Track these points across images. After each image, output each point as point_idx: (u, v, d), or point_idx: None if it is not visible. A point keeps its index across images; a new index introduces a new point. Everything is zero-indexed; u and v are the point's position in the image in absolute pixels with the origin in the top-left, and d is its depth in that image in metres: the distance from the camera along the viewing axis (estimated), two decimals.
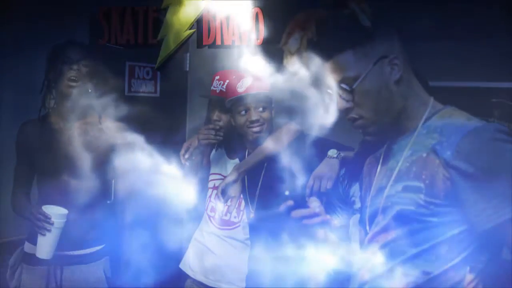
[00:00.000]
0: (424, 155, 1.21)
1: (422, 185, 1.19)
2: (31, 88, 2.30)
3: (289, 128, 2.10)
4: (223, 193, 2.00)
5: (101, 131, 2.25)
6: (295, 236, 1.68)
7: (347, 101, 1.26)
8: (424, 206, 1.18)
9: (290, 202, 1.33)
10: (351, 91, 1.25)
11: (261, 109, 2.08)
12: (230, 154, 2.33)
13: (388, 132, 1.32)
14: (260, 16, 2.66)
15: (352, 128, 1.31)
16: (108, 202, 2.42)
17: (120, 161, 2.27)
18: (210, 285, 2.29)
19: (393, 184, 1.25)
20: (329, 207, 1.89)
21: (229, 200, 2.03)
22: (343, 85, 1.25)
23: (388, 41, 1.27)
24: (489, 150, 1.14)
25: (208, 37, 2.86)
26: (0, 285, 2.42)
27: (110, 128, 2.27)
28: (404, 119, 1.29)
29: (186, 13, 2.87)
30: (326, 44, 1.25)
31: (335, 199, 1.91)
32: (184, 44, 3.00)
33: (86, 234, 2.22)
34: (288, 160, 2.01)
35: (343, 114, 1.29)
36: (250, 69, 2.16)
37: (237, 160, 2.25)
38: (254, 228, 2.17)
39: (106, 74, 2.31)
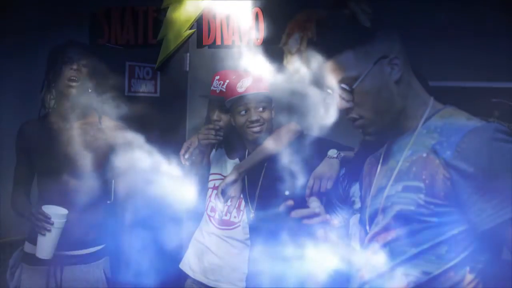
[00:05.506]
0: (424, 155, 1.21)
1: (422, 185, 1.19)
2: (31, 88, 2.30)
3: (289, 128, 2.10)
4: (223, 193, 2.00)
5: (101, 131, 2.25)
6: (295, 236, 1.68)
7: (347, 101, 1.26)
8: (424, 206, 1.18)
9: (290, 202, 1.33)
10: (351, 91, 1.25)
11: (261, 109, 2.08)
12: (230, 154, 2.33)
13: (388, 132, 1.32)
14: (260, 16, 2.66)
15: (352, 128, 1.31)
16: (108, 202, 2.42)
17: (120, 161, 2.27)
18: (210, 285, 2.29)
19: (393, 184, 1.25)
20: (329, 207, 1.89)
21: (229, 200, 2.03)
22: (343, 85, 1.25)
23: (388, 41, 1.26)
24: (489, 150, 1.14)
25: (208, 37, 2.86)
26: (0, 285, 2.42)
27: (110, 128, 2.27)
28: (404, 119, 1.29)
29: (186, 13, 2.87)
30: (326, 44, 1.25)
31: (335, 199, 1.92)
32: (184, 44, 3.00)
33: (86, 234, 2.22)
34: (288, 160, 2.01)
35: (343, 114, 1.29)
36: (250, 69, 2.16)
37: (237, 160, 2.25)
38: (254, 228, 2.17)
39: (106, 74, 2.31)
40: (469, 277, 1.17)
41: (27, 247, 2.23)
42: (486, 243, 1.17)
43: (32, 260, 2.16)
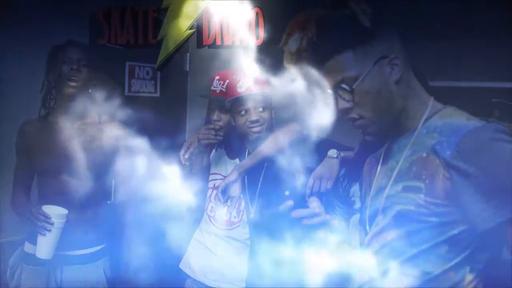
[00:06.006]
0: (424, 155, 1.21)
1: (422, 185, 1.19)
2: (31, 88, 2.30)
3: (289, 128, 2.10)
4: (223, 193, 2.00)
5: (101, 131, 2.25)
6: (295, 236, 1.68)
7: (347, 101, 1.26)
8: (424, 206, 1.18)
9: (290, 202, 1.33)
10: (351, 91, 1.25)
11: (261, 109, 2.08)
12: (230, 154, 2.33)
13: (388, 132, 1.32)
14: (260, 16, 2.66)
15: (352, 128, 1.31)
16: (108, 202, 2.42)
17: (120, 161, 2.27)
18: (210, 285, 2.29)
19: (393, 184, 1.25)
20: (329, 207, 1.89)
21: (229, 200, 2.03)
22: (343, 85, 1.25)
23: (388, 41, 1.27)
24: (489, 150, 1.14)
25: (208, 37, 2.86)
26: (0, 285, 2.42)
27: (110, 128, 2.27)
28: (404, 119, 1.29)
29: (186, 13, 2.87)
30: (326, 44, 1.25)
31: (335, 199, 1.91)
32: (184, 44, 2.99)
33: (86, 234, 2.22)
34: (288, 160, 2.01)
35: (343, 114, 1.29)
36: (250, 69, 2.16)
37: (237, 160, 2.25)
38: (254, 228, 2.17)
39: (106, 74, 2.31)
40: (469, 277, 1.17)
41: (27, 247, 2.23)
42: (486, 243, 1.17)
43: (32, 260, 2.16)
